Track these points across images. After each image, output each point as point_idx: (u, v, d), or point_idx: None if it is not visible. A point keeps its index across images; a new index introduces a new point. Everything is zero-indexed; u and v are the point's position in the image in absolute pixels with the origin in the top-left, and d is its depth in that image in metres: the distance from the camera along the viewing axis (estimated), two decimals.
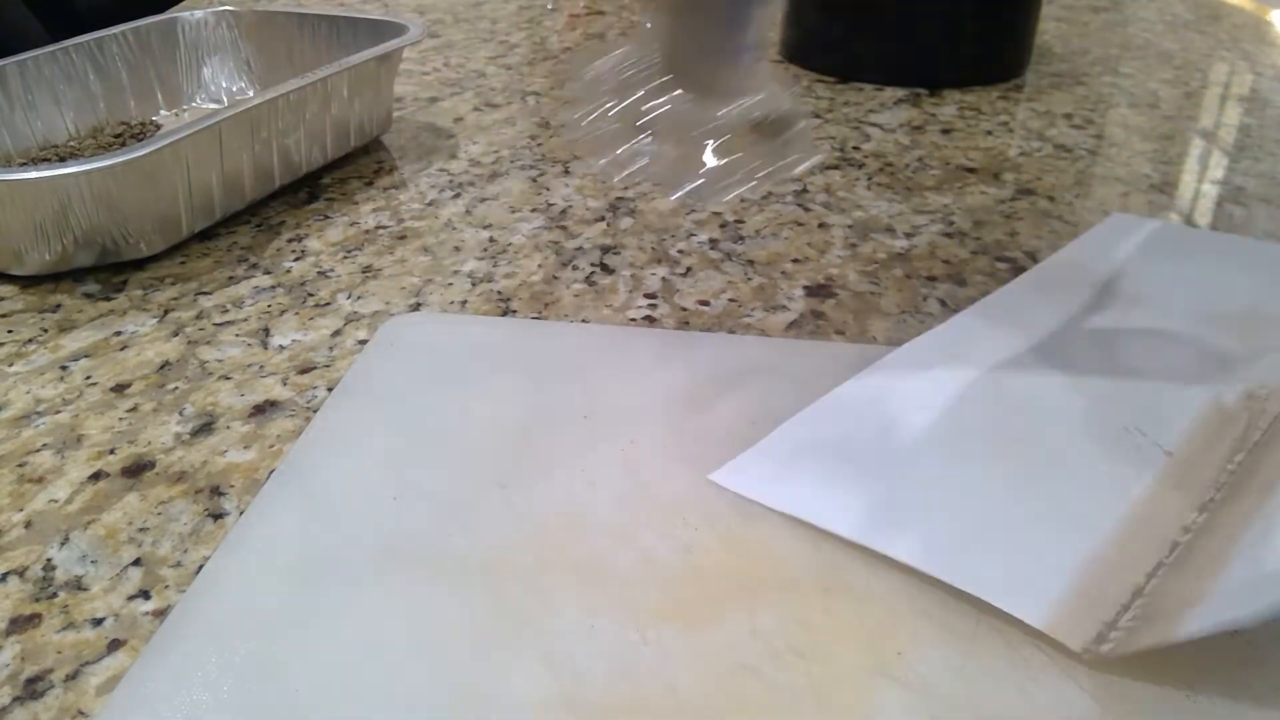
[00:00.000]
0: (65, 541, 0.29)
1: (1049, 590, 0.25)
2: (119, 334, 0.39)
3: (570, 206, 0.49)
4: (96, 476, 0.31)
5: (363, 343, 0.38)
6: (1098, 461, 0.30)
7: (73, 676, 0.24)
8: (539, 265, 0.44)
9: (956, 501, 0.28)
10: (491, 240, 0.46)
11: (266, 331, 0.39)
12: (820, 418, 0.32)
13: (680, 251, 0.45)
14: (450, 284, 0.42)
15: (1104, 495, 0.28)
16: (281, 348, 0.38)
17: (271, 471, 0.30)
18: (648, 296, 0.41)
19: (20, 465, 0.32)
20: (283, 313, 0.40)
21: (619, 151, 0.32)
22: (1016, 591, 0.25)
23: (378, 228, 0.47)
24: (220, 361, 0.37)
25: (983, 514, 0.28)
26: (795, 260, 0.44)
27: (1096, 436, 0.31)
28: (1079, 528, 0.27)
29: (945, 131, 0.59)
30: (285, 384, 0.36)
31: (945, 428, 0.31)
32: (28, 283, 0.42)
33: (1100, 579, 0.25)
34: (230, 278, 0.43)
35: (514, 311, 0.40)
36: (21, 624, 0.26)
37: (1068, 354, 0.35)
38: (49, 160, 0.51)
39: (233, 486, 0.31)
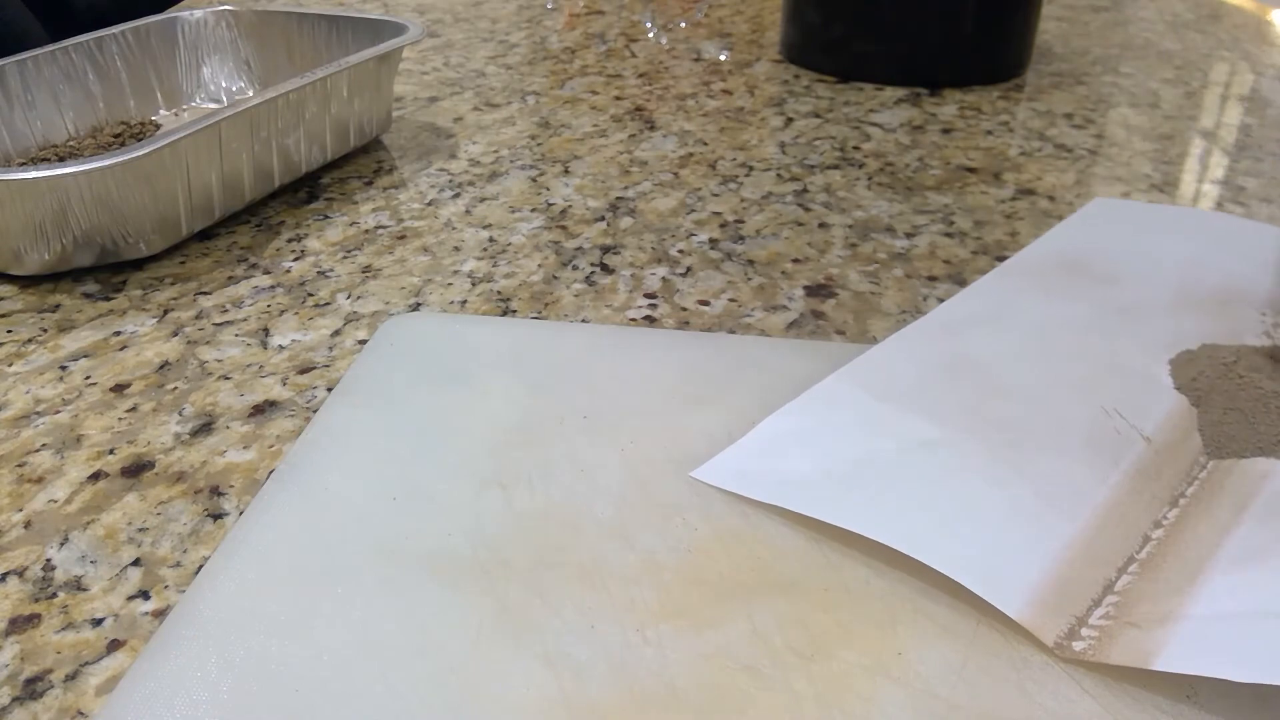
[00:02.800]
0: (65, 542, 0.29)
1: (1026, 580, 0.25)
2: (118, 334, 0.39)
3: (570, 206, 0.49)
4: (96, 476, 0.31)
5: (362, 343, 0.38)
6: (1078, 446, 0.30)
7: (72, 677, 0.24)
8: (539, 265, 0.44)
9: (938, 484, 0.29)
10: (491, 240, 0.46)
11: (266, 331, 0.39)
12: (800, 411, 0.32)
13: (680, 251, 0.45)
14: (450, 284, 0.42)
15: (1083, 481, 0.29)
16: (281, 348, 0.38)
17: (271, 471, 0.30)
18: (648, 296, 0.41)
19: (20, 465, 0.32)
20: (282, 313, 0.40)
21: None
22: (995, 579, 0.25)
23: (377, 228, 0.47)
24: (220, 361, 0.37)
25: (964, 497, 0.28)
26: (795, 260, 0.44)
27: (1077, 419, 0.31)
28: (1058, 515, 0.27)
29: (945, 131, 0.59)
30: (285, 384, 0.36)
31: (925, 411, 0.32)
32: (27, 283, 0.42)
33: (1073, 570, 0.26)
34: (230, 278, 0.43)
35: (514, 311, 0.40)
36: (21, 624, 0.26)
37: (1047, 337, 0.36)
38: (48, 160, 0.51)
39: (232, 486, 0.31)
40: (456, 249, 0.45)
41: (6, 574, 0.27)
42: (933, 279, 0.42)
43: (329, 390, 0.35)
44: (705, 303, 0.41)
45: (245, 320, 0.40)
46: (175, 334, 0.39)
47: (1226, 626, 0.24)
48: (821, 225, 0.47)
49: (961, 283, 0.42)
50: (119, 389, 0.35)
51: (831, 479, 0.29)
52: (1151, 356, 0.34)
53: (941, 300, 0.40)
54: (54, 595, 0.27)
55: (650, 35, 0.80)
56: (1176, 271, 0.40)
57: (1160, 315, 0.37)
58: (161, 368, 0.37)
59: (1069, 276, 0.40)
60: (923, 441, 0.30)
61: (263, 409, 0.34)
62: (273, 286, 0.42)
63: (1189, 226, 0.45)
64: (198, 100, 0.60)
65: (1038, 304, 0.38)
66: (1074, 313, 0.37)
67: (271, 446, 0.32)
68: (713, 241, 0.46)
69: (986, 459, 0.29)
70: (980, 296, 0.39)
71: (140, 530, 0.29)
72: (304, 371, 0.36)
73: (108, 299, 0.41)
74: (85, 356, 0.37)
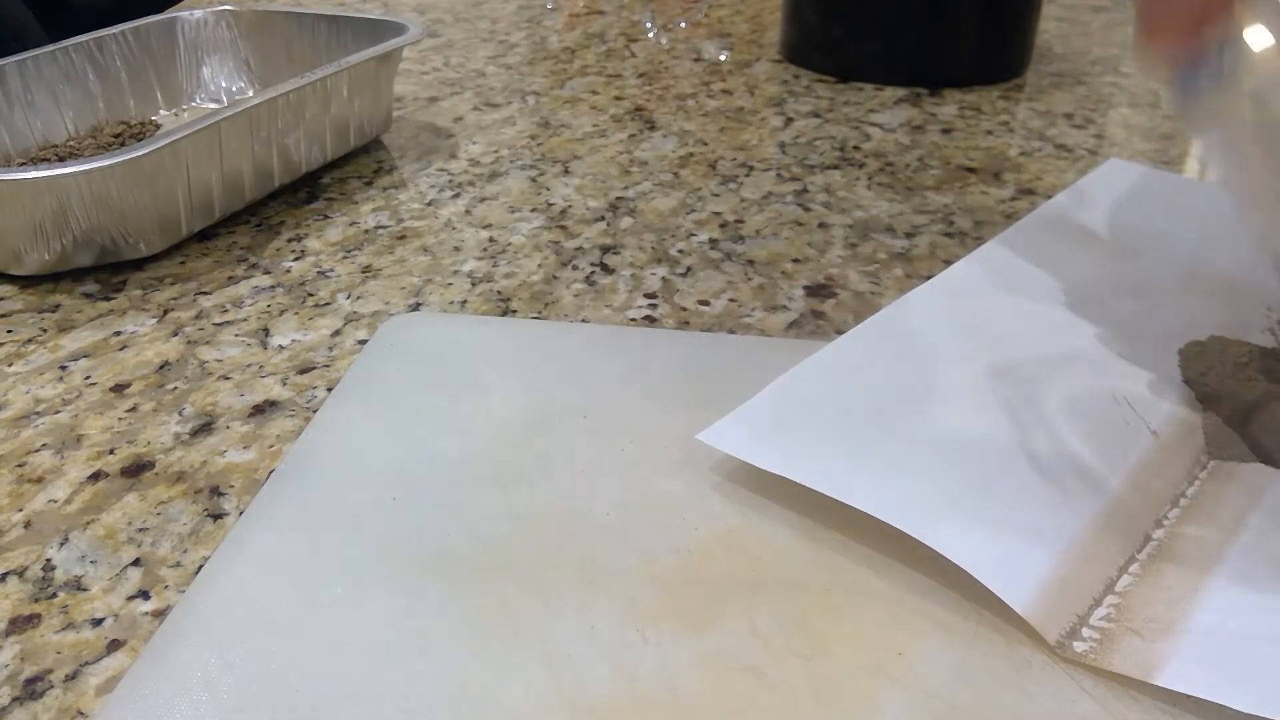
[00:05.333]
0: (65, 542, 0.29)
1: (1032, 574, 0.25)
2: (118, 334, 0.39)
3: (570, 206, 0.49)
4: (96, 476, 0.31)
5: (362, 343, 0.38)
6: (1087, 434, 0.30)
7: (72, 677, 0.24)
8: (539, 265, 0.44)
9: (948, 466, 0.28)
10: (491, 240, 0.46)
11: (266, 331, 0.39)
12: (809, 376, 0.31)
13: (680, 251, 0.45)
14: (450, 284, 0.42)
15: (1092, 474, 0.28)
16: (281, 348, 0.38)
17: (271, 471, 0.30)
18: (648, 296, 0.41)
19: (20, 465, 0.32)
20: (282, 313, 0.40)
21: None
22: (1002, 572, 0.25)
23: (377, 228, 0.47)
24: (220, 361, 0.37)
25: (974, 483, 0.28)
26: (795, 260, 0.44)
27: (1087, 407, 0.31)
28: (1066, 508, 0.27)
29: (945, 131, 0.59)
30: (285, 384, 0.36)
31: (935, 387, 0.31)
32: (27, 283, 0.42)
33: (1077, 567, 0.25)
34: (230, 278, 0.43)
35: (514, 311, 0.40)
36: (21, 624, 0.26)
37: (1061, 309, 0.35)
38: (48, 160, 0.51)
39: (232, 486, 0.31)
40: (456, 249, 0.45)
41: (6, 574, 0.27)
42: (933, 279, 0.42)
43: (329, 390, 0.35)
44: (705, 303, 0.41)
45: (245, 320, 0.40)
46: (175, 334, 0.39)
47: (1229, 647, 0.23)
48: (821, 225, 0.47)
49: None
50: (119, 389, 0.35)
51: (838, 452, 0.28)
52: (1162, 344, 0.34)
53: None
54: (54, 595, 0.27)
55: (650, 35, 0.80)
56: (1189, 251, 0.39)
57: (1172, 298, 0.36)
58: (161, 368, 0.37)
59: (1084, 245, 0.39)
60: (931, 415, 0.30)
61: (263, 409, 0.34)
62: (273, 286, 0.42)
63: (1202, 201, 0.44)
64: (198, 100, 0.60)
65: (1053, 271, 0.37)
66: (1089, 285, 0.37)
67: (271, 446, 0.32)
68: (713, 241, 0.46)
69: (995, 439, 0.29)
70: (994, 259, 0.38)
71: (140, 530, 0.29)
72: (304, 371, 0.36)
73: (108, 299, 0.41)
74: (85, 356, 0.37)
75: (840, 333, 0.38)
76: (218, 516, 0.29)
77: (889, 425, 0.30)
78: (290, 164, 0.49)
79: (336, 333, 0.39)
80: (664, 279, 0.42)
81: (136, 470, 0.31)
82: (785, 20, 0.73)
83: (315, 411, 0.34)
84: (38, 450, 0.32)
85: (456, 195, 0.51)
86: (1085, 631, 0.24)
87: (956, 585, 0.25)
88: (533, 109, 0.63)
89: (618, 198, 0.50)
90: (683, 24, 0.83)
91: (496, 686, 0.23)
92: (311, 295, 0.41)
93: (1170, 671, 0.23)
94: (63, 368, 0.37)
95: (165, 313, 0.40)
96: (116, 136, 0.54)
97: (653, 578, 0.26)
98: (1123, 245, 0.40)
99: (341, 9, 0.63)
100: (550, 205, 0.50)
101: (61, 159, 0.50)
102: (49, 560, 0.28)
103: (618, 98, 0.65)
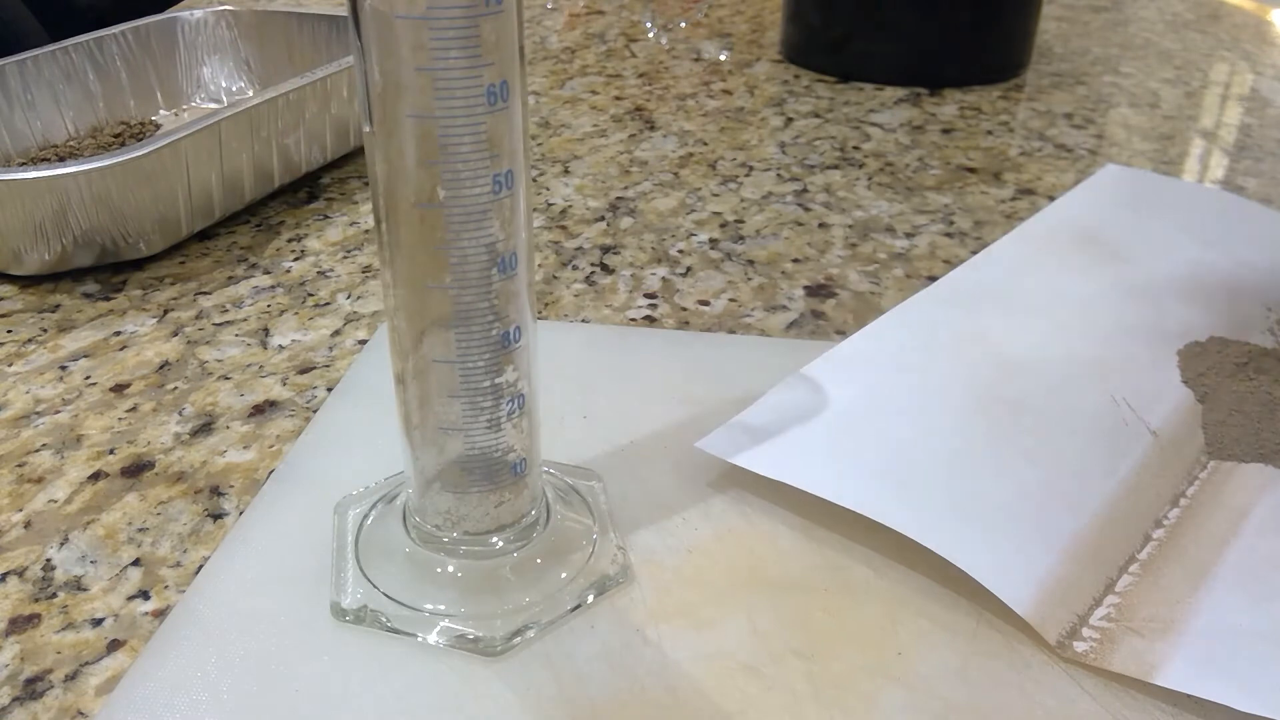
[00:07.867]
0: (65, 542, 0.29)
1: (1032, 575, 0.25)
2: (118, 334, 0.39)
3: (570, 206, 0.49)
4: (96, 476, 0.31)
5: (362, 343, 0.38)
6: (1086, 435, 0.30)
7: (72, 677, 0.24)
8: (539, 265, 0.44)
9: (947, 470, 0.28)
10: None
11: (266, 331, 0.39)
12: (807, 384, 0.32)
13: (680, 251, 0.45)
14: None
15: (1091, 475, 0.28)
16: (281, 348, 0.38)
17: (271, 471, 0.30)
18: (648, 296, 0.41)
19: (20, 465, 0.32)
20: (282, 313, 0.40)
21: None
22: (1002, 573, 0.25)
23: None
24: (220, 361, 0.37)
25: (971, 483, 0.28)
26: (795, 260, 0.44)
27: (1086, 406, 0.31)
28: (1066, 509, 0.27)
29: (945, 131, 0.59)
30: (285, 384, 0.36)
31: (934, 391, 0.31)
32: (27, 283, 0.42)
33: (1077, 567, 0.25)
34: (230, 278, 0.43)
35: None
36: (21, 624, 0.26)
37: (1058, 314, 0.35)
38: (48, 160, 0.51)
39: (232, 486, 0.31)
40: None
41: (6, 574, 0.27)
42: (933, 279, 0.42)
43: (329, 390, 0.35)
44: (705, 303, 0.41)
45: (245, 320, 0.40)
46: (175, 334, 0.39)
47: (1229, 647, 0.23)
48: (821, 225, 0.47)
49: None
50: (119, 389, 0.35)
51: (837, 458, 0.29)
52: (1161, 345, 0.34)
53: None
54: (54, 595, 0.27)
55: (650, 35, 0.80)
56: (1187, 254, 0.39)
57: (1171, 300, 0.36)
58: (161, 368, 0.37)
59: (1082, 250, 0.39)
60: (930, 420, 0.30)
61: (263, 409, 0.34)
62: (273, 286, 0.42)
63: (1201, 204, 0.44)
64: (198, 100, 0.60)
65: (1050, 277, 0.37)
66: (1086, 290, 0.37)
67: (271, 446, 0.32)
68: (713, 241, 0.46)
69: (994, 442, 0.29)
70: (992, 265, 0.38)
71: (140, 530, 0.29)
72: (304, 371, 0.36)
73: (108, 299, 0.41)
74: (85, 356, 0.37)
75: (840, 333, 0.38)
76: (218, 516, 0.29)
77: (889, 428, 0.30)
78: (290, 164, 0.49)
79: (336, 333, 0.39)
80: (664, 279, 0.42)
81: (136, 470, 0.31)
82: (785, 20, 0.73)
83: (315, 411, 0.34)
84: (38, 450, 0.32)
85: None
86: (1085, 631, 0.24)
87: (956, 585, 0.25)
88: (533, 109, 0.63)
89: (618, 198, 0.50)
90: (683, 24, 0.83)
91: (496, 686, 0.23)
92: (311, 295, 0.41)
93: (1170, 671, 0.23)
94: (63, 368, 0.37)
95: (165, 313, 0.40)
96: (116, 136, 0.54)
97: (653, 578, 0.26)
98: (1122, 248, 0.40)
99: (341, 9, 0.63)
100: (550, 205, 0.50)
101: (61, 159, 0.50)
102: (49, 560, 0.28)
103: (618, 98, 0.65)
